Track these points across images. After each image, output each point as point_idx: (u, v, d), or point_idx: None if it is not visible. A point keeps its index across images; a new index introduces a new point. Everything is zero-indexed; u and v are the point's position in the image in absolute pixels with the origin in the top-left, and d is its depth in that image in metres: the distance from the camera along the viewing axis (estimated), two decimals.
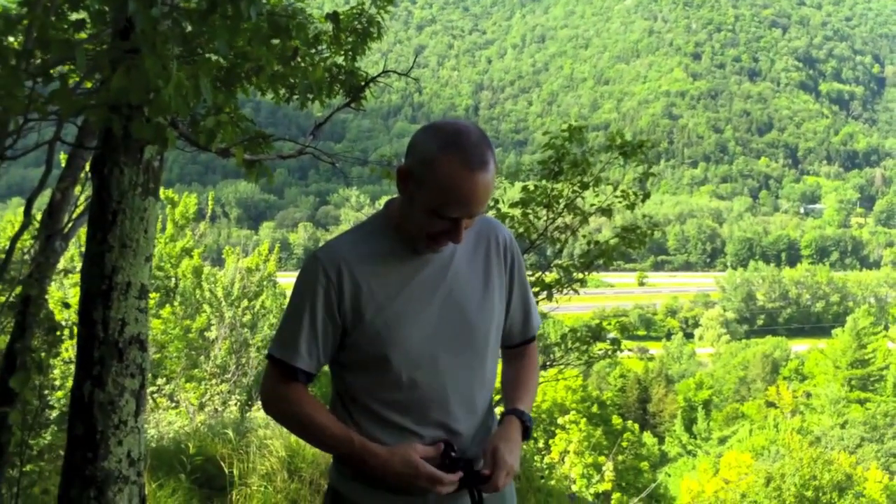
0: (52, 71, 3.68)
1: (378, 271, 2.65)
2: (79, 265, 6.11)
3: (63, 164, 6.54)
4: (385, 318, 2.62)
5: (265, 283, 18.95)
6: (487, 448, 2.67)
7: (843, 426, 52.67)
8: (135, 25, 3.28)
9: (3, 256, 5.66)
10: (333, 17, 5.86)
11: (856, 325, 74.75)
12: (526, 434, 2.75)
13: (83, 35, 5.04)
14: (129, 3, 3.19)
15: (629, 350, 12.49)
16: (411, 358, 2.63)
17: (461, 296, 2.72)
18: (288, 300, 2.75)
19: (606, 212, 9.81)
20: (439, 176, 2.46)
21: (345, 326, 2.65)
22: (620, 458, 38.90)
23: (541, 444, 34.84)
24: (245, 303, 16.90)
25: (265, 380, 2.79)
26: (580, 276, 10.14)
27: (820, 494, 32.49)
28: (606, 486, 34.48)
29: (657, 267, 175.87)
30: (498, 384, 3.02)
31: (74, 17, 5.17)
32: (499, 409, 2.99)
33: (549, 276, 10.14)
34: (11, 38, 4.99)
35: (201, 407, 13.31)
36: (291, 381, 2.68)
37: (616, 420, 44.01)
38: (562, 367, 11.60)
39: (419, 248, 2.66)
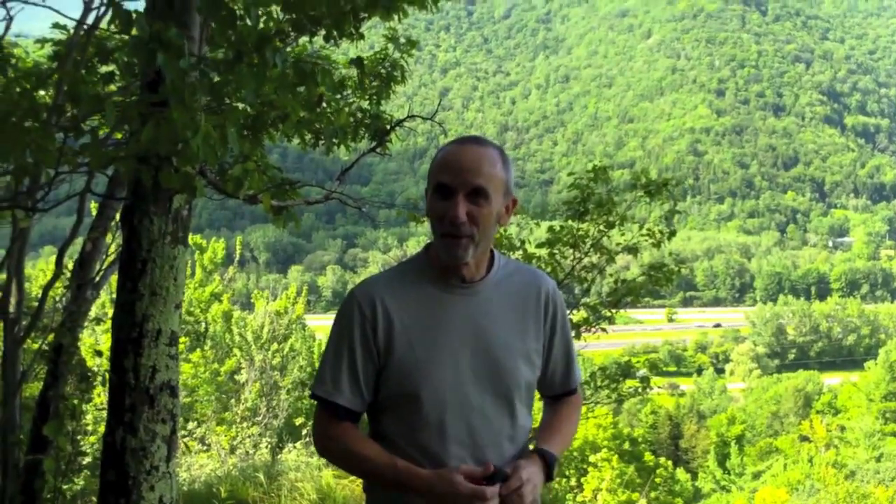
0: (82, 125, 3.74)
1: (412, 309, 2.65)
2: (110, 312, 6.17)
3: (94, 214, 6.63)
4: (417, 355, 2.60)
5: (294, 325, 19.01)
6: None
7: (878, 459, 51.85)
8: (164, 77, 3.34)
9: (36, 305, 5.74)
10: (358, 62, 5.91)
11: (888, 358, 73.71)
12: (548, 475, 2.66)
13: (113, 87, 5.13)
14: (157, 55, 3.25)
15: (659, 387, 12.34)
16: (441, 397, 2.59)
17: (495, 340, 2.68)
18: (328, 338, 2.74)
19: (633, 250, 9.81)
20: (435, 159, 2.60)
21: (379, 362, 2.64)
22: (653, 494, 38.55)
23: (573, 483, 34.49)
24: (274, 346, 16.97)
25: (315, 420, 2.77)
26: (608, 313, 10.13)
27: None
28: None
29: (686, 303, 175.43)
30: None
31: (104, 69, 5.28)
32: None
33: (577, 315, 10.13)
34: (42, 92, 5.09)
35: (232, 450, 13.32)
36: (338, 419, 2.67)
37: (648, 457, 43.67)
38: (592, 404, 11.54)
39: (441, 252, 2.63)
